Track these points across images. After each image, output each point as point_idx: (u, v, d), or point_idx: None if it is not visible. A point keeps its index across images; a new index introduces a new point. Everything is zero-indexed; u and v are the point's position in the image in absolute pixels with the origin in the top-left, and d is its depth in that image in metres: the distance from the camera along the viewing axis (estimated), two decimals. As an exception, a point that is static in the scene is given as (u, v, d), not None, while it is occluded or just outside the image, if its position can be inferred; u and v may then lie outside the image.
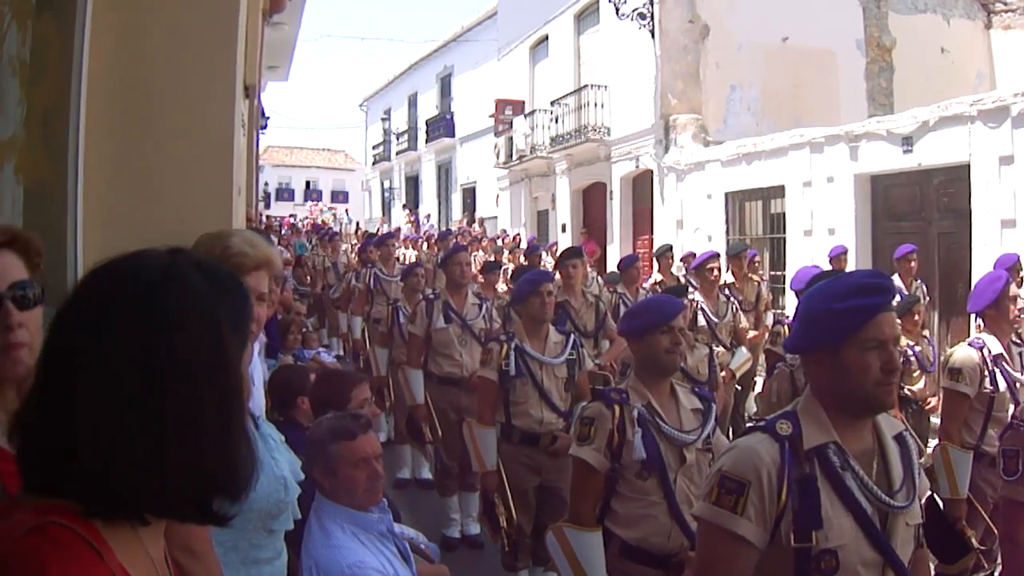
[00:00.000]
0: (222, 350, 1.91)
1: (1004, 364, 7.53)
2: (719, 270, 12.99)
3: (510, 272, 18.98)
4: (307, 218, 51.48)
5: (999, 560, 6.60)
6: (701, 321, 12.14)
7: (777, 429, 3.53)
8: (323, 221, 48.52)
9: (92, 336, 1.80)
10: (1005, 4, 30.09)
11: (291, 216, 52.33)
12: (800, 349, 3.72)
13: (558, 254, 13.21)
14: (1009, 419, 5.86)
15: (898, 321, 11.19)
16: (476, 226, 39.22)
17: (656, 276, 17.28)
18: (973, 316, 8.03)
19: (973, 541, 7.33)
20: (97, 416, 1.77)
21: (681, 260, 19.66)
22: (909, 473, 3.61)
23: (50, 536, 1.73)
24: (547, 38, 35.34)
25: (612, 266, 25.92)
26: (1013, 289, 7.66)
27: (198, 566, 3.38)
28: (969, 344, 7.67)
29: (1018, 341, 8.37)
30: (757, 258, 17.03)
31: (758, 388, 14.29)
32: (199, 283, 1.91)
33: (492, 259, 21.52)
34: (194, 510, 1.92)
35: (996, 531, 7.30)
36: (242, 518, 3.76)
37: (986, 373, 7.46)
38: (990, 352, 7.51)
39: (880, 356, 3.44)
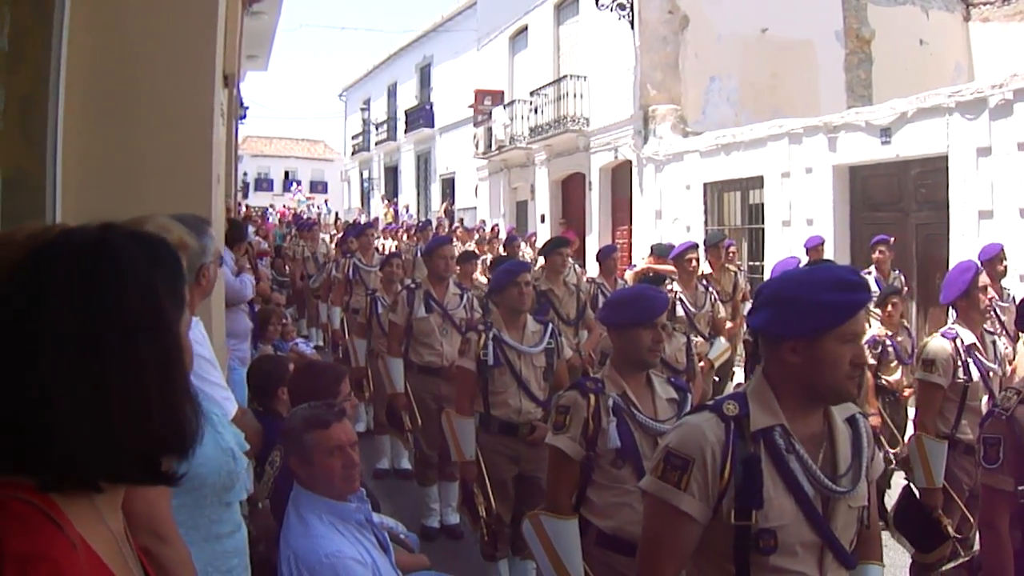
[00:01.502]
0: (160, 312, 1.93)
1: (977, 354, 7.57)
2: (697, 260, 13.02)
3: (488, 262, 19.00)
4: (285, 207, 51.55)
5: (975, 548, 6.64)
6: (680, 311, 12.16)
7: (724, 409, 3.59)
8: (297, 210, 48.55)
9: (31, 308, 1.81)
10: (984, -4, 30.21)
11: (271, 206, 52.36)
12: (775, 333, 3.67)
13: (544, 243, 13.23)
14: (988, 407, 5.89)
15: (877, 311, 11.33)
16: (444, 217, 39.35)
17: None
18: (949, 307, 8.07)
19: (949, 529, 7.39)
20: (42, 384, 1.78)
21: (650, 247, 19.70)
22: (857, 457, 3.66)
23: (12, 511, 1.74)
24: (527, 28, 35.32)
25: (591, 256, 26.00)
26: (983, 279, 7.71)
27: (168, 551, 3.41)
28: (942, 335, 7.70)
29: (991, 330, 8.44)
30: (733, 248, 17.04)
31: (737, 378, 14.34)
32: (133, 251, 1.93)
33: (469, 249, 21.56)
34: (145, 471, 1.94)
35: (972, 519, 7.36)
36: (197, 494, 3.80)
37: (959, 363, 7.50)
38: (963, 342, 7.56)
39: (852, 350, 3.50)
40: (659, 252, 16.87)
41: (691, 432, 3.57)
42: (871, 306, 12.24)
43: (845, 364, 3.47)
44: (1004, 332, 9.78)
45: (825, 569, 3.53)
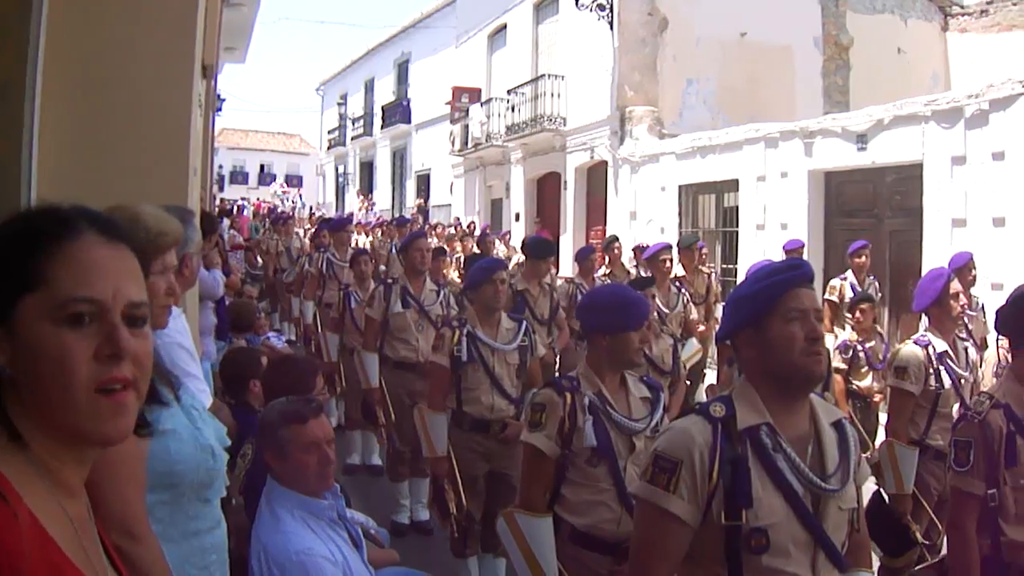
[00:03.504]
0: None
1: (949, 361, 7.60)
2: (671, 262, 13.06)
3: (462, 260, 19.00)
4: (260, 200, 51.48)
5: (942, 552, 6.68)
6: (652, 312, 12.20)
7: (711, 411, 3.62)
8: (269, 203, 48.48)
9: None
10: (962, 8, 30.38)
11: (244, 199, 52.25)
12: (728, 333, 3.78)
13: (532, 244, 13.22)
14: (960, 412, 5.93)
15: (850, 316, 11.35)
16: (418, 214, 39.37)
17: (605, 268, 17.37)
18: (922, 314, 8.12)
19: (918, 535, 7.46)
20: None
21: (633, 251, 19.74)
22: (845, 459, 3.67)
23: None
24: (506, 27, 35.35)
25: (565, 256, 26.00)
26: (955, 287, 7.73)
27: (140, 549, 3.39)
28: (915, 342, 7.74)
29: (963, 337, 8.49)
30: (705, 250, 17.06)
31: (708, 380, 14.37)
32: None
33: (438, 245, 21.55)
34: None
35: (940, 525, 7.40)
36: (176, 491, 3.79)
37: (931, 371, 7.53)
38: (935, 350, 7.58)
39: (803, 326, 3.53)
40: (604, 244, 17.05)
41: (679, 435, 3.60)
42: (845, 312, 12.34)
43: (798, 342, 3.52)
44: (972, 340, 9.82)
45: (818, 570, 3.53)
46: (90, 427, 1.89)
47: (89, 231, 1.93)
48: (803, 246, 16.08)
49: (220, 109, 28.40)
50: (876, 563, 7.61)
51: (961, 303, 7.81)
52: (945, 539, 6.16)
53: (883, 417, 9.58)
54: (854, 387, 11.21)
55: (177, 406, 3.83)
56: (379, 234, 29.45)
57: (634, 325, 5.72)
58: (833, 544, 3.55)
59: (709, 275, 15.40)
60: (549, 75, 30.54)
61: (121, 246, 1.99)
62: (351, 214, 40.21)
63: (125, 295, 1.93)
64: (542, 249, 12.58)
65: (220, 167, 70.66)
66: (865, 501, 7.14)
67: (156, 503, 3.65)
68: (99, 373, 1.88)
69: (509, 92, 33.01)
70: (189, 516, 3.89)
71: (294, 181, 78.10)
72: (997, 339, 9.67)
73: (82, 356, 1.85)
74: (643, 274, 13.85)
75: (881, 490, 7.82)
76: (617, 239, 18.20)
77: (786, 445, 3.54)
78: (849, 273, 14.12)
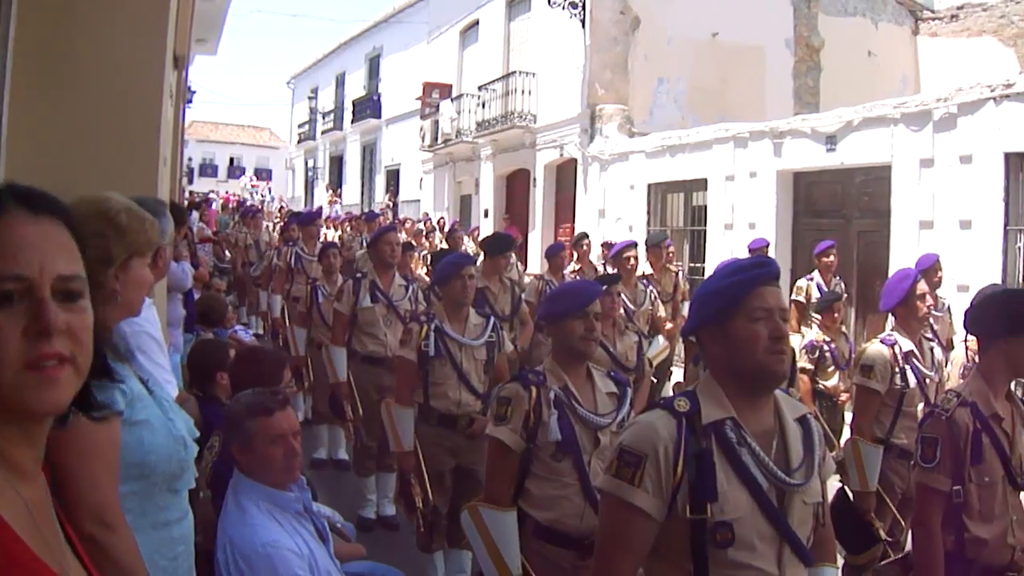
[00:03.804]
0: None
1: (915, 361, 7.65)
2: (636, 259, 13.05)
3: (429, 257, 19.00)
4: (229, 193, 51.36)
5: (906, 549, 6.73)
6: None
7: (676, 406, 3.62)
8: (238, 196, 48.34)
9: None
10: (932, 12, 30.56)
11: (212, 192, 52.11)
12: (693, 329, 3.80)
13: (487, 240, 13.21)
14: (927, 410, 5.97)
15: (816, 316, 11.41)
16: (388, 209, 39.32)
17: (574, 265, 17.40)
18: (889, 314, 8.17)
19: (881, 532, 7.51)
20: None
21: (601, 247, 19.78)
22: (809, 454, 3.68)
23: None
24: (478, 23, 35.36)
25: (533, 253, 26.03)
26: (921, 287, 7.78)
27: (114, 538, 3.39)
28: (881, 341, 7.78)
29: (929, 337, 8.54)
30: (672, 248, 17.08)
31: (675, 377, 14.40)
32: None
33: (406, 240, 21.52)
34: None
35: (903, 522, 7.48)
36: (147, 482, 3.78)
37: (897, 370, 7.58)
38: (901, 349, 7.63)
39: (767, 325, 3.54)
40: (574, 241, 17.18)
41: (643, 429, 3.59)
42: (812, 312, 12.39)
43: (761, 341, 3.52)
44: (938, 341, 9.88)
45: (784, 564, 3.54)
46: (16, 400, 1.86)
47: (16, 208, 1.91)
48: (768, 245, 16.11)
49: (191, 101, 28.26)
50: (840, 560, 7.67)
51: (927, 304, 7.86)
52: (909, 536, 6.21)
53: (849, 416, 9.63)
54: (820, 387, 11.27)
55: (150, 397, 3.83)
56: (348, 229, 29.41)
57: (573, 309, 5.76)
58: (798, 538, 3.55)
59: (677, 273, 15.42)
60: (520, 72, 30.56)
61: (50, 220, 1.96)
62: (320, 208, 40.12)
63: (53, 270, 1.90)
64: (498, 245, 12.55)
65: (190, 159, 70.39)
66: (830, 498, 7.22)
67: (128, 493, 3.64)
68: (28, 350, 1.86)
69: (480, 88, 33.04)
70: (160, 507, 3.89)
71: (264, 175, 77.82)
72: (965, 339, 9.72)
73: (10, 334, 1.84)
74: (610, 271, 13.87)
75: (845, 488, 7.87)
76: (587, 236, 18.23)
77: (751, 440, 3.55)
78: (816, 274, 14.18)
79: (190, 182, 60.87)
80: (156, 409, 3.86)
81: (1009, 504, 5.32)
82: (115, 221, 3.81)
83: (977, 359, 7.81)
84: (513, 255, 13.42)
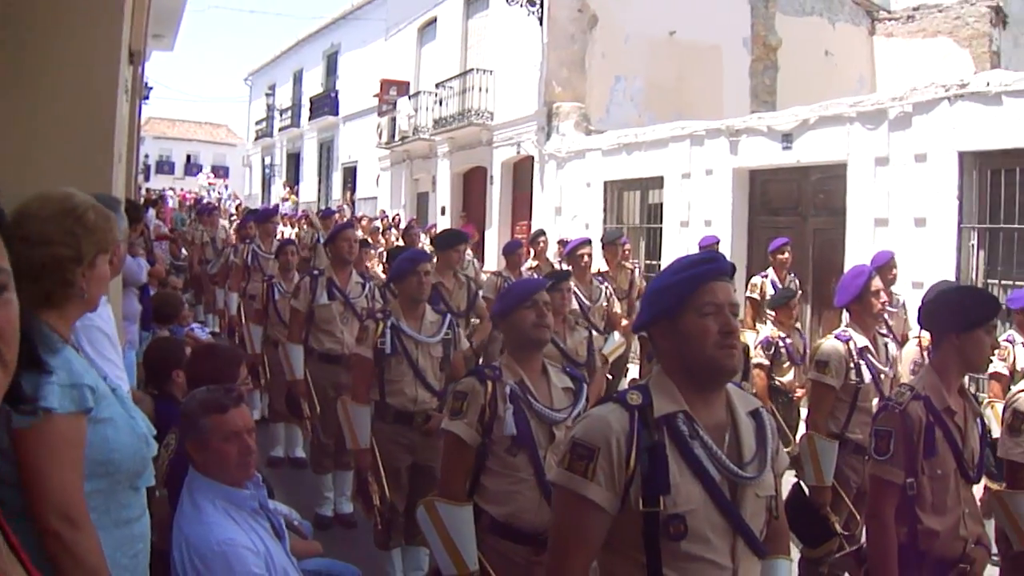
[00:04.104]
0: None
1: (869, 356, 7.73)
2: (590, 256, 13.06)
3: (385, 254, 18.98)
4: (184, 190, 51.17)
5: (861, 540, 6.79)
6: (574, 305, 12.20)
7: (628, 399, 3.62)
8: (195, 194, 48.16)
9: None
10: (889, 13, 30.79)
11: (169, 189, 51.92)
12: (644, 324, 3.80)
13: (438, 237, 13.22)
14: (881, 403, 6.03)
15: (771, 313, 11.48)
16: (345, 206, 39.28)
17: (531, 262, 17.44)
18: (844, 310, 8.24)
19: (837, 526, 7.60)
20: None
21: (557, 244, 19.81)
22: (762, 447, 3.70)
23: None
24: (435, 20, 35.35)
25: (490, 250, 26.04)
26: (875, 283, 7.84)
27: (80, 536, 3.40)
28: (836, 337, 7.86)
29: (884, 333, 8.61)
30: (628, 246, 17.12)
31: (631, 374, 14.44)
32: None
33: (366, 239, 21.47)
34: None
35: (859, 517, 7.54)
36: (111, 479, 3.78)
37: (851, 365, 7.66)
38: (856, 345, 7.71)
39: (717, 320, 3.56)
40: (531, 239, 17.25)
41: (596, 422, 3.59)
42: (767, 308, 12.45)
43: (711, 335, 3.53)
44: (892, 337, 9.95)
45: (737, 557, 3.54)
46: None
47: None
48: (718, 242, 16.19)
49: (147, 97, 28.16)
50: (796, 554, 7.72)
51: (882, 300, 7.92)
52: (864, 528, 6.26)
53: (804, 412, 9.69)
54: (776, 382, 11.33)
55: (113, 395, 3.83)
56: (305, 226, 29.36)
57: (521, 298, 5.85)
58: (751, 531, 3.57)
59: (633, 270, 15.45)
60: (477, 69, 30.58)
61: None
62: (277, 205, 39.99)
63: None
64: (448, 240, 12.55)
65: (146, 157, 70.10)
66: (785, 493, 7.28)
67: (92, 491, 3.63)
68: None
69: (437, 86, 33.01)
70: (122, 504, 3.89)
71: (220, 172, 77.52)
72: (919, 335, 9.80)
73: None
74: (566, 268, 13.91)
75: (801, 482, 7.94)
76: (544, 233, 18.25)
77: (703, 433, 3.56)
78: (770, 271, 14.31)
79: (146, 179, 60.66)
80: (119, 407, 3.86)
81: (961, 497, 5.39)
82: (83, 219, 3.83)
83: (927, 355, 7.93)
84: (469, 252, 13.43)
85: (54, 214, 3.74)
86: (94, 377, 3.70)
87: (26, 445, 3.39)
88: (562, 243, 18.86)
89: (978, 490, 6.09)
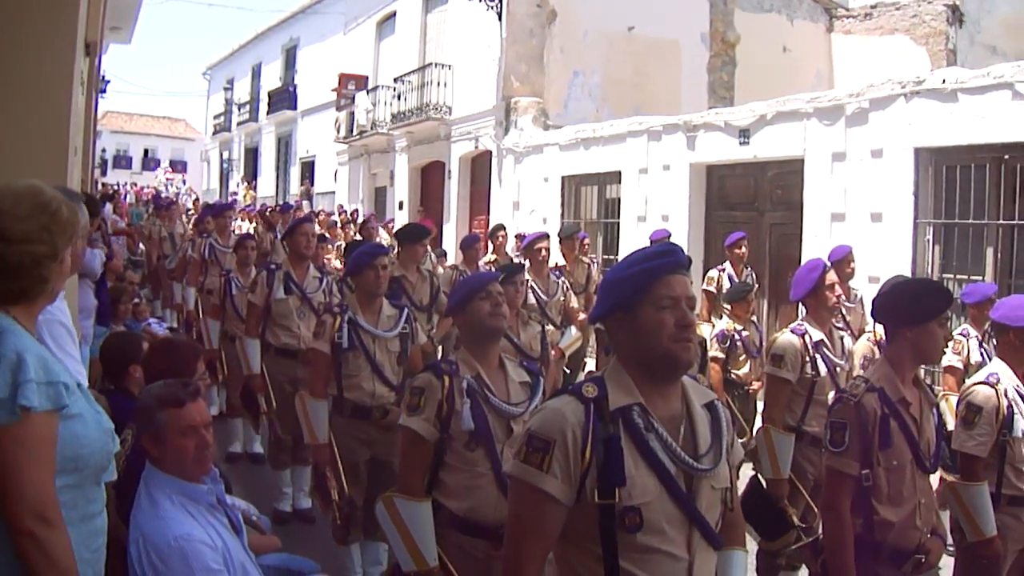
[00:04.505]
0: None
1: (825, 350, 7.79)
2: (547, 250, 13.09)
3: (343, 248, 18.96)
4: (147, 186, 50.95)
5: (818, 532, 6.84)
6: (531, 299, 12.23)
7: (584, 391, 3.63)
8: (152, 188, 47.94)
9: None
10: (847, 10, 30.96)
11: (131, 183, 51.72)
12: (600, 316, 3.82)
13: (402, 230, 13.22)
14: (836, 396, 6.09)
15: (727, 306, 11.54)
16: (303, 200, 39.20)
17: (490, 256, 17.45)
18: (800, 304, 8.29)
19: (794, 519, 7.64)
20: None
21: (515, 238, 19.84)
22: (717, 439, 3.73)
23: None
24: (395, 14, 35.21)
25: (448, 244, 26.05)
26: (830, 277, 7.93)
27: (54, 535, 3.41)
28: (791, 331, 7.92)
29: (839, 326, 8.67)
30: (587, 240, 17.17)
31: (588, 367, 14.46)
32: None
33: (324, 233, 21.43)
34: None
35: (815, 508, 7.58)
36: (80, 475, 3.78)
37: (807, 359, 7.73)
38: (811, 339, 7.77)
39: (674, 313, 3.58)
40: (490, 233, 17.31)
41: (552, 415, 3.61)
42: (724, 302, 12.52)
43: (667, 328, 3.56)
44: (849, 331, 10.02)
45: (693, 549, 3.57)
46: None
47: None
48: (669, 236, 16.22)
49: (104, 91, 27.97)
50: (755, 546, 7.77)
51: (836, 293, 7.97)
52: (821, 520, 6.30)
53: (760, 405, 9.74)
54: (732, 375, 11.40)
55: (79, 391, 3.82)
56: (260, 226, 29.31)
57: (475, 289, 5.89)
58: (707, 522, 3.59)
59: (590, 265, 15.49)
60: (436, 64, 30.48)
61: None
62: (234, 199, 39.87)
63: None
64: (414, 234, 12.56)
65: (103, 151, 69.71)
66: (743, 486, 7.32)
67: (61, 487, 3.62)
68: None
69: (396, 80, 32.93)
70: (88, 499, 3.88)
71: (179, 166, 77.22)
72: (873, 327, 9.85)
73: None
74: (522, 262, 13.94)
75: (759, 475, 7.98)
76: (503, 227, 18.33)
77: (658, 425, 3.58)
78: (727, 264, 14.44)
79: (103, 174, 60.32)
80: (86, 402, 3.85)
81: (917, 487, 5.44)
82: (57, 215, 3.82)
83: (877, 349, 7.99)
84: (428, 246, 13.44)
85: (30, 211, 3.72)
86: (67, 374, 3.70)
87: (2, 444, 3.39)
88: (519, 238, 18.89)
89: (935, 479, 6.15)
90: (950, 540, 6.47)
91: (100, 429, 3.86)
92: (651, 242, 15.36)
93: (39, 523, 3.36)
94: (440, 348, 12.36)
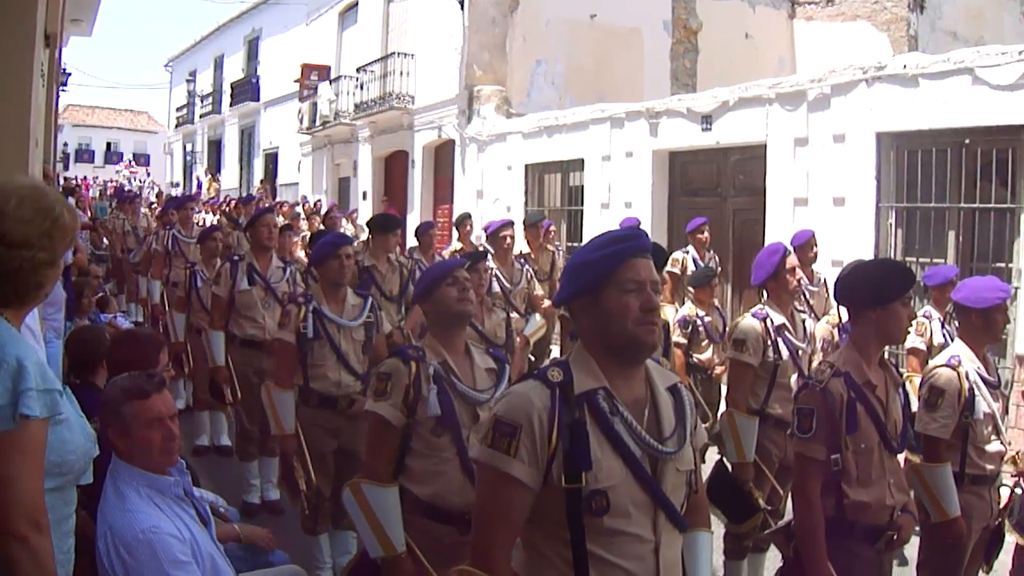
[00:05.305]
0: None
1: (786, 333, 7.84)
2: (512, 238, 13.12)
3: (308, 238, 18.92)
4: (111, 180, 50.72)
5: (785, 516, 6.88)
6: (495, 287, 12.25)
7: (549, 376, 3.64)
8: (114, 182, 47.74)
9: None
10: (809, -3, 31.07)
11: (94, 178, 51.47)
12: (564, 300, 3.82)
13: (373, 221, 13.20)
14: (801, 381, 6.13)
15: (691, 289, 11.58)
16: (265, 192, 39.15)
17: (456, 244, 17.47)
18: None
19: (760, 501, 7.68)
20: None
21: (483, 229, 19.88)
22: (681, 422, 3.75)
23: None
24: (356, 4, 35.13)
25: (411, 234, 26.10)
26: (791, 261, 7.98)
27: (44, 541, 3.43)
28: (752, 315, 7.95)
29: (801, 310, 8.72)
30: (552, 228, 17.20)
31: (553, 355, 14.47)
32: None
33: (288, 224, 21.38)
34: None
35: (781, 491, 7.69)
36: (64, 479, 3.79)
37: (769, 343, 7.76)
38: (773, 323, 7.81)
39: (639, 297, 3.59)
40: (457, 221, 17.37)
41: (518, 399, 3.61)
42: (688, 285, 12.57)
43: (632, 312, 3.57)
44: (812, 314, 10.07)
45: (659, 531, 3.58)
46: None
47: None
48: (639, 224, 16.27)
49: (65, 84, 27.80)
50: (721, 529, 7.81)
51: (798, 277, 8.02)
52: (789, 503, 6.35)
53: (724, 389, 9.78)
54: (695, 360, 11.45)
55: (64, 396, 3.81)
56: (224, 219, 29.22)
57: (441, 275, 5.94)
58: (672, 505, 3.61)
59: (554, 252, 15.51)
60: (399, 53, 30.43)
61: None
62: (199, 191, 39.76)
63: None
64: (387, 224, 12.58)
65: (65, 145, 69.31)
66: (708, 470, 7.36)
67: (46, 491, 3.62)
68: None
69: (358, 70, 32.84)
70: (66, 502, 3.90)
71: (142, 159, 76.89)
72: (838, 310, 9.90)
73: None
74: (489, 250, 13.94)
75: (724, 459, 8.03)
76: (469, 216, 18.36)
77: (623, 409, 3.59)
78: (691, 248, 14.45)
79: (66, 168, 60.00)
80: (71, 407, 3.85)
81: (886, 467, 5.50)
82: (59, 221, 3.79)
83: (837, 333, 8.04)
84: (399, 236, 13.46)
85: (33, 216, 3.68)
86: (57, 380, 3.69)
87: (0, 450, 3.38)
88: (485, 229, 18.94)
89: (901, 459, 6.21)
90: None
91: (84, 434, 3.89)
92: (621, 229, 15.40)
93: (32, 529, 3.36)
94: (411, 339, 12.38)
